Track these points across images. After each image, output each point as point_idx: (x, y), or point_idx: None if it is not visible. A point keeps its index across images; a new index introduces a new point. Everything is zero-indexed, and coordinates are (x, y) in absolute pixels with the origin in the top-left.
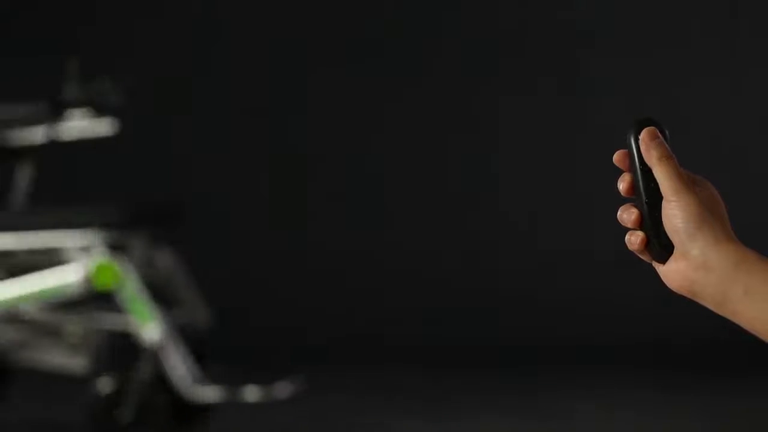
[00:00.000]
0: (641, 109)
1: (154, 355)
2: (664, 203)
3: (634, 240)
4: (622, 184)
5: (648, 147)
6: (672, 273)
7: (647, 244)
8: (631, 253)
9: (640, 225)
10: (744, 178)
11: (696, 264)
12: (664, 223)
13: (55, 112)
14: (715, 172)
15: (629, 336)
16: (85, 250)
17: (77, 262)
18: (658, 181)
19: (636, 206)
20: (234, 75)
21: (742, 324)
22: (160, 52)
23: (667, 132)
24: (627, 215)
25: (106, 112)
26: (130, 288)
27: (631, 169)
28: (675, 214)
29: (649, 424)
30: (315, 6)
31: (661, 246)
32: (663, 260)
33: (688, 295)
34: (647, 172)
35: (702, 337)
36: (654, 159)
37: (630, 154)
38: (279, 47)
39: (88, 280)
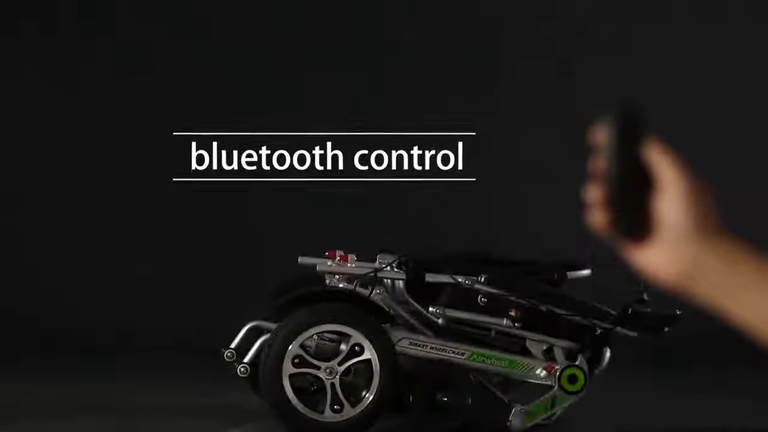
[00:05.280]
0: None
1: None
2: (669, 198)
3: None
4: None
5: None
6: (663, 268)
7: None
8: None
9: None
10: (738, 175)
11: (691, 263)
12: (663, 215)
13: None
14: (707, 168)
15: None
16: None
17: None
18: (662, 173)
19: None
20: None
21: (736, 320)
22: None
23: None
24: (592, 190)
25: None
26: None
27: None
28: (677, 210)
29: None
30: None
31: (618, 224)
32: (627, 235)
33: (677, 289)
34: (615, 154)
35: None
36: (662, 151)
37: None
38: None
39: None
